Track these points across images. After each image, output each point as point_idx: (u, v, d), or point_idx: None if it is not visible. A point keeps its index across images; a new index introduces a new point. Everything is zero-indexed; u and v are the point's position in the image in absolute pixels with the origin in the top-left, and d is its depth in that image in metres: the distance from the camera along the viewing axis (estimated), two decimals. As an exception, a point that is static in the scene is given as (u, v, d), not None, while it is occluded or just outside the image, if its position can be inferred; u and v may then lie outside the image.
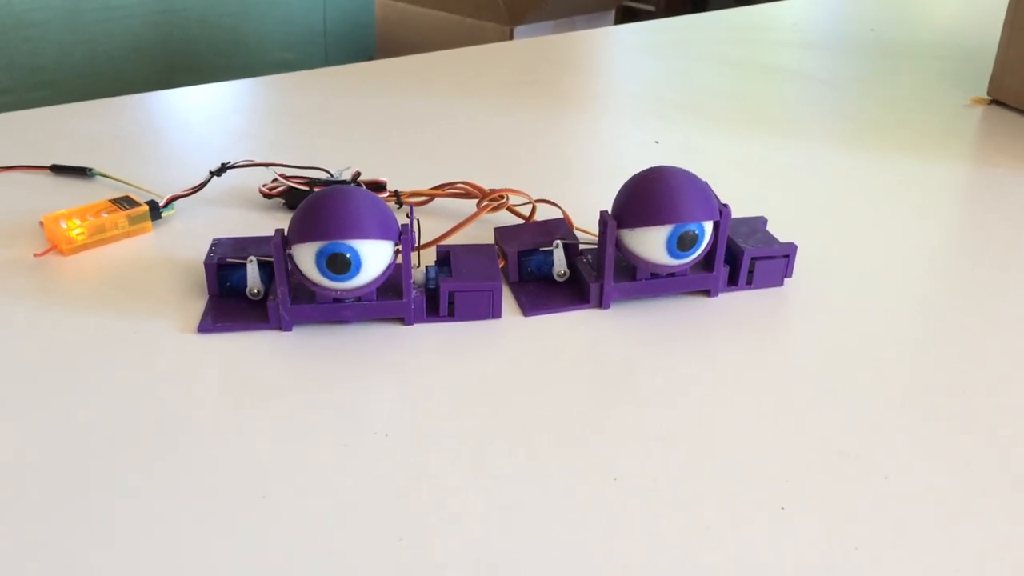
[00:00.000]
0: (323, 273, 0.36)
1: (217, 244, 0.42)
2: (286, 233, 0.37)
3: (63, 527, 0.28)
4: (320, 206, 0.37)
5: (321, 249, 0.36)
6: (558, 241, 0.42)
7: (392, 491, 0.30)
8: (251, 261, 0.40)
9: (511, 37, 1.59)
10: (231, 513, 0.29)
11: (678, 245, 0.39)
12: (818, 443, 0.33)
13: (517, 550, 0.28)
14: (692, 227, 0.39)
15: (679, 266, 0.40)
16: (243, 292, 0.40)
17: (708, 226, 0.40)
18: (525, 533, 0.29)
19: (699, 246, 0.40)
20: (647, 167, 0.41)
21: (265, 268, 0.40)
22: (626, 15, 2.06)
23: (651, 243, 0.39)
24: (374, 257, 0.37)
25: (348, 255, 0.36)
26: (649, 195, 0.39)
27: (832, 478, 0.31)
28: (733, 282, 0.43)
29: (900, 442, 0.33)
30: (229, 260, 0.40)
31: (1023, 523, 0.29)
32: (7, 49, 1.59)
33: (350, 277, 0.37)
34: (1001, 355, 0.38)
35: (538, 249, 0.43)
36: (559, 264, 0.42)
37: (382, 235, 0.37)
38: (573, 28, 1.70)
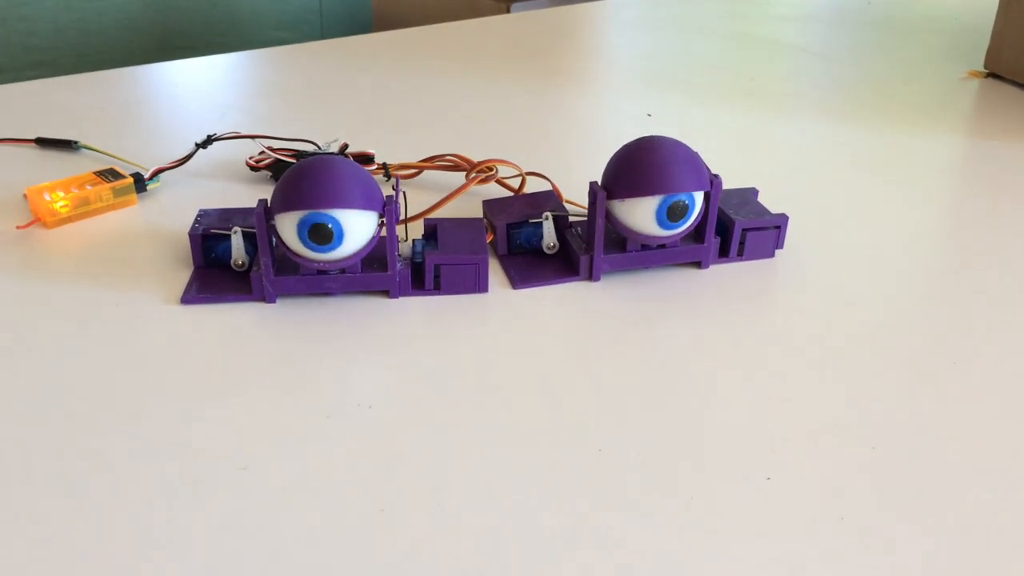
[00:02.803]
0: (305, 244, 0.36)
1: (203, 215, 0.41)
2: (269, 203, 0.37)
3: (45, 497, 0.28)
4: (302, 175, 0.36)
5: (303, 219, 0.35)
6: (547, 213, 0.42)
7: (374, 463, 0.30)
8: (235, 232, 0.39)
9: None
10: (212, 484, 0.29)
11: (668, 216, 0.39)
12: (806, 414, 0.32)
13: (500, 523, 0.28)
14: (682, 197, 0.38)
15: (669, 237, 0.40)
16: (228, 263, 0.40)
17: (699, 196, 0.39)
18: (508, 505, 0.28)
19: (689, 217, 0.39)
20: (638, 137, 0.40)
21: (250, 239, 0.39)
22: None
23: (641, 214, 0.39)
24: (357, 228, 0.36)
25: (330, 225, 0.35)
26: (639, 164, 0.39)
27: (819, 449, 0.31)
28: (724, 253, 0.42)
29: (888, 413, 0.33)
30: (214, 231, 0.40)
31: (1011, 494, 0.29)
32: (1, 28, 1.57)
33: (332, 248, 0.36)
34: (991, 326, 0.38)
35: (527, 221, 0.42)
36: (548, 236, 0.42)
37: (365, 205, 0.36)
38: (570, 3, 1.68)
